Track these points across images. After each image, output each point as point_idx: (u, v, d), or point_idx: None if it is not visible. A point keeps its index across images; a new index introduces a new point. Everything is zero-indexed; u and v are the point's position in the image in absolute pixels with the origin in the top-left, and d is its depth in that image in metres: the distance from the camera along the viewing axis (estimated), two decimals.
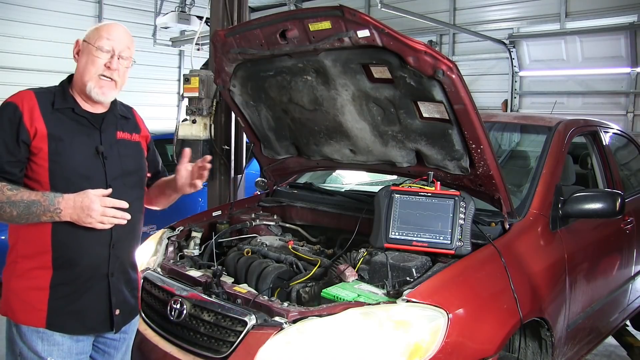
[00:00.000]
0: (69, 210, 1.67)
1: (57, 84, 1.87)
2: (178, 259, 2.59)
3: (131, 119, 2.01)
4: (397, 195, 2.33)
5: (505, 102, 10.10)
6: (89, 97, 1.82)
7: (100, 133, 1.84)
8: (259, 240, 2.78)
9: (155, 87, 11.89)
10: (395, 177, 3.13)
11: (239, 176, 4.29)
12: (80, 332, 1.80)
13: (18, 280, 1.76)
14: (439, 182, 2.37)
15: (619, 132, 3.93)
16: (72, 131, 1.78)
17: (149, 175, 2.08)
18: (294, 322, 1.88)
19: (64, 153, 1.74)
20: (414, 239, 2.26)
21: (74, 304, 1.77)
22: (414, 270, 2.11)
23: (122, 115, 1.96)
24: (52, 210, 1.67)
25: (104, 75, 1.80)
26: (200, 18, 5.27)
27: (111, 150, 1.85)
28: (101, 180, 1.79)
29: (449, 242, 2.21)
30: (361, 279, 2.18)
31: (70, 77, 1.87)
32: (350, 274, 2.15)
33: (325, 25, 2.12)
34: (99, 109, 1.87)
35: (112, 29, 1.84)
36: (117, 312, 1.85)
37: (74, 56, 1.86)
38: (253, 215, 3.03)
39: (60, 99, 1.80)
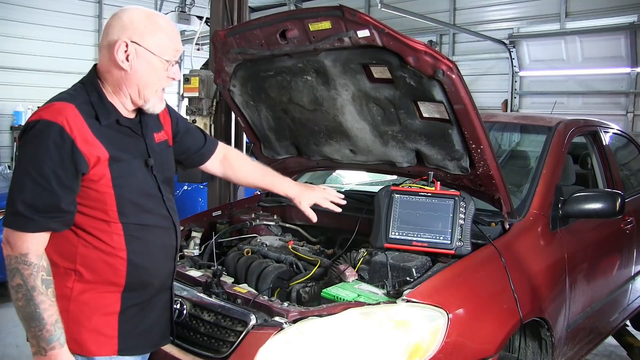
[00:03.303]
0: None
1: (75, 86, 1.60)
2: (178, 259, 2.58)
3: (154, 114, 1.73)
4: (397, 195, 2.33)
5: (505, 102, 10.10)
6: (140, 108, 1.62)
7: (145, 141, 1.65)
8: (259, 240, 2.77)
9: None
10: (395, 177, 3.13)
11: None
12: (145, 351, 1.75)
13: (80, 306, 1.56)
14: (439, 182, 2.37)
15: (619, 132, 3.93)
16: (125, 147, 1.57)
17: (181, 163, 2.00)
18: (294, 322, 1.88)
19: (126, 174, 1.55)
20: (414, 239, 2.26)
21: (141, 323, 1.68)
22: (414, 270, 2.11)
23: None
24: (44, 347, 1.45)
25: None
26: (200, 18, 5.27)
27: (155, 158, 1.66)
28: (157, 195, 1.65)
29: (449, 242, 2.21)
30: (361, 279, 2.18)
31: (96, 77, 1.60)
32: (350, 274, 2.15)
33: (325, 25, 2.12)
34: (133, 113, 1.64)
35: (176, 36, 1.61)
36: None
37: (122, 60, 1.54)
38: (253, 215, 3.03)
39: (102, 111, 1.54)
